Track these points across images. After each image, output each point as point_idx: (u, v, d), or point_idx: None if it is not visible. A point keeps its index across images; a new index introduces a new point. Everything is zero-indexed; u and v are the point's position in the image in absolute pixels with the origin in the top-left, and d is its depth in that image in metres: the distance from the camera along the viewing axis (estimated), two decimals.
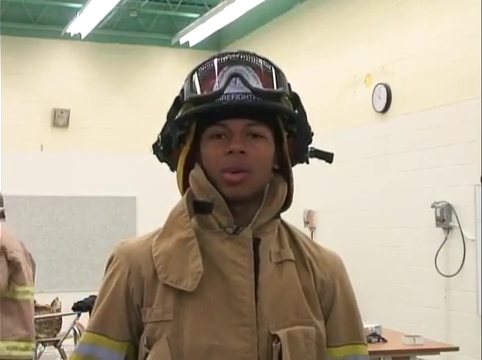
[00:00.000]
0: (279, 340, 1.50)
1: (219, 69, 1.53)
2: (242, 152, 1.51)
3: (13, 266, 4.60)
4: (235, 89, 1.50)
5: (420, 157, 7.32)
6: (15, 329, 4.55)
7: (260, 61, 1.55)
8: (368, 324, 5.28)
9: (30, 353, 4.74)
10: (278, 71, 1.56)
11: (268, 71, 1.55)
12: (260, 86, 1.51)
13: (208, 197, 1.54)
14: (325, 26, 9.14)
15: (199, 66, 1.56)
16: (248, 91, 1.50)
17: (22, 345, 4.62)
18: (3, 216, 4.81)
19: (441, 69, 7.10)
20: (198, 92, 1.54)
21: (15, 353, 4.56)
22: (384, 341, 5.52)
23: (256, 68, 1.54)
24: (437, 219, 6.93)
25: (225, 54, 1.56)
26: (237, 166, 1.51)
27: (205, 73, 1.55)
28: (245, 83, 1.50)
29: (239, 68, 1.52)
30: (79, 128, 11.13)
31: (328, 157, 1.65)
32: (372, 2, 8.26)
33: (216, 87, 1.51)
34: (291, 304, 1.55)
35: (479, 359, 6.27)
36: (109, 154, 11.01)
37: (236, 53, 1.56)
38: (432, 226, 7.00)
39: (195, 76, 1.55)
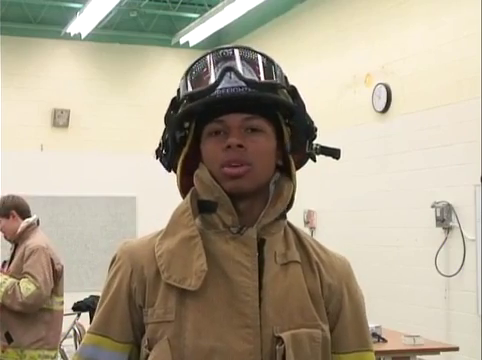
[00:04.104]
0: (283, 342, 1.46)
1: (213, 65, 1.51)
2: (240, 146, 1.47)
3: (57, 277, 4.69)
4: (230, 83, 1.47)
5: (420, 157, 7.32)
6: (48, 338, 4.64)
7: (255, 55, 1.53)
8: (368, 324, 5.27)
9: None
10: (274, 64, 1.53)
11: (263, 64, 1.52)
12: (255, 78, 1.49)
13: (213, 196, 1.51)
14: (325, 26, 9.14)
15: (193, 64, 1.54)
16: (243, 84, 1.47)
17: (52, 354, 4.72)
18: (38, 224, 4.79)
19: (441, 69, 7.10)
20: (193, 89, 1.51)
21: None
22: (384, 341, 5.51)
23: (251, 62, 1.51)
24: (437, 219, 6.93)
25: (219, 49, 1.53)
26: (237, 160, 1.48)
27: (199, 70, 1.52)
28: (239, 76, 1.47)
29: (233, 62, 1.49)
30: (79, 128, 11.13)
31: (335, 153, 1.61)
32: (372, 2, 8.26)
33: (210, 82, 1.48)
34: (296, 306, 1.51)
35: (479, 359, 6.27)
36: (109, 154, 11.00)
37: (230, 48, 1.53)
38: (432, 226, 7.00)
39: (189, 74, 1.53)
